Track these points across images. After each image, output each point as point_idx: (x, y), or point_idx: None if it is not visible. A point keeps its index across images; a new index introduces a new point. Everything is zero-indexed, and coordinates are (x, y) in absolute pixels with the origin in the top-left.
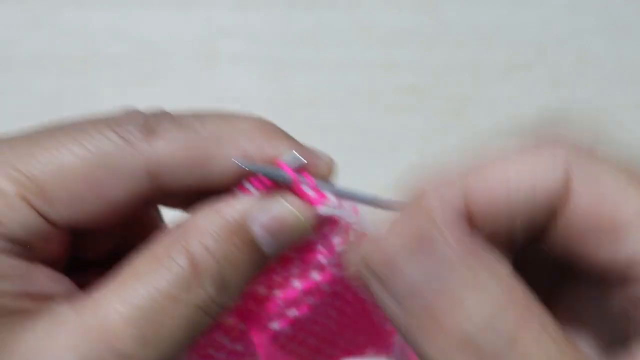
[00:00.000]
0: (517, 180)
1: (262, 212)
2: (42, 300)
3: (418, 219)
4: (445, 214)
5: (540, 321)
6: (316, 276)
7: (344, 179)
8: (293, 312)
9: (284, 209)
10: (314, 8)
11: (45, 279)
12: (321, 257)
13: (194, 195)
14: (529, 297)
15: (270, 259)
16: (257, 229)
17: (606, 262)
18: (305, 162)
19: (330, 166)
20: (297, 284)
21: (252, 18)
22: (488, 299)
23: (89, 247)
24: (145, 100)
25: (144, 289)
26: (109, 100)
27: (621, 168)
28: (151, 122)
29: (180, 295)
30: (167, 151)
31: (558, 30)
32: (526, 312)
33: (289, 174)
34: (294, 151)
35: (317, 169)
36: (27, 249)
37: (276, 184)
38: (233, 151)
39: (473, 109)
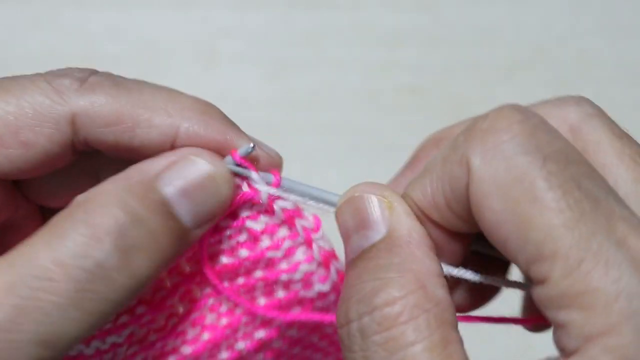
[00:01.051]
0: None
1: (172, 171)
2: None
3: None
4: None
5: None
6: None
7: (343, 179)
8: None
9: (196, 167)
10: (314, 8)
11: None
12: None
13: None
14: (441, 303)
15: (194, 231)
16: (168, 189)
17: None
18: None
19: (277, 161)
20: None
21: (252, 18)
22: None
23: (51, 196)
24: None
25: (37, 255)
26: None
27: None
28: (88, 77)
29: (69, 260)
30: (93, 104)
31: (558, 30)
32: (422, 318)
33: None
34: (250, 145)
35: (262, 163)
36: None
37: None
38: (162, 123)
39: (473, 109)
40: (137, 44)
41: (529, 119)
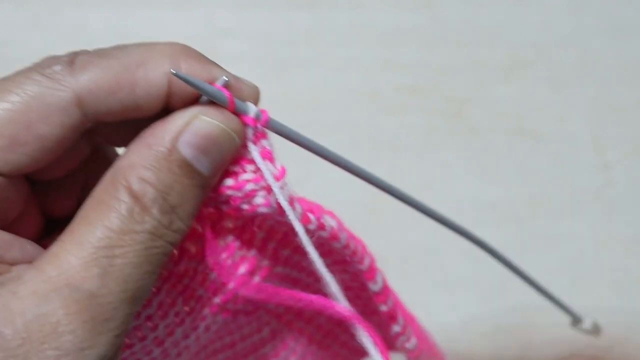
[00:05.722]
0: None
1: (187, 133)
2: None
3: None
4: None
5: None
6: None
7: (343, 178)
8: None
9: (207, 124)
10: (314, 8)
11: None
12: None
13: (129, 126)
14: None
15: (213, 179)
16: (187, 150)
17: None
18: (232, 83)
19: (256, 93)
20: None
21: (252, 18)
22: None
23: (54, 204)
24: None
25: (97, 230)
26: None
27: None
28: (74, 57)
29: (132, 227)
30: (92, 80)
31: (558, 30)
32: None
33: (222, 91)
34: (224, 77)
35: (243, 94)
36: None
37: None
38: (156, 75)
39: (473, 109)
40: None
41: None
